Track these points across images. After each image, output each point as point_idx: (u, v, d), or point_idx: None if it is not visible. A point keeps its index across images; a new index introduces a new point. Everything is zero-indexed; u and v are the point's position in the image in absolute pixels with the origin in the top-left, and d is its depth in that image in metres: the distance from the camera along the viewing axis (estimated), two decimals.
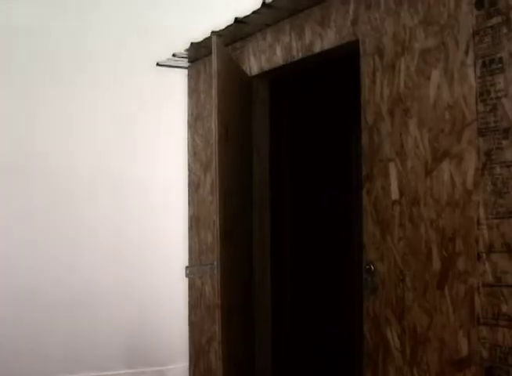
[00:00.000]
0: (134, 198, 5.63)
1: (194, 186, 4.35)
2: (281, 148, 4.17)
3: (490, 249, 2.28)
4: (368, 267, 2.84)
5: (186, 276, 4.07)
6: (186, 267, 4.09)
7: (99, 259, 5.43)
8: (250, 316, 3.73)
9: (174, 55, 4.27)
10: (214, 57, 3.12)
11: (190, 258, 4.36)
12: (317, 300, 4.28)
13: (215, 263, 3.08)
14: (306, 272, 4.24)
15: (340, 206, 4.36)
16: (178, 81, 4.70)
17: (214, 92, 3.12)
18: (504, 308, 2.23)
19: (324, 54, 3.22)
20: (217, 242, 3.08)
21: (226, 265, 3.15)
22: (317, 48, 3.22)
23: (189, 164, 4.44)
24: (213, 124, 3.19)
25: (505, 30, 2.24)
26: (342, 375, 4.26)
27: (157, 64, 4.44)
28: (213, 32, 3.70)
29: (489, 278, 2.28)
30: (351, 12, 2.99)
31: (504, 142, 2.24)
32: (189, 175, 4.44)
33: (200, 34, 3.88)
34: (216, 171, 3.10)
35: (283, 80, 3.93)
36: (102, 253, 5.44)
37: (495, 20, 2.28)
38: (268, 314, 3.86)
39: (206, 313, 4.14)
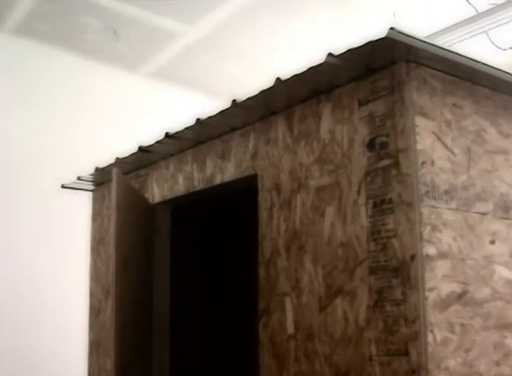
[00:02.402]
0: (34, 321, 5.48)
1: (95, 311, 4.27)
2: (183, 276, 4.14)
3: None
4: None
5: None
6: None
7: None
8: None
9: (79, 178, 4.27)
10: (113, 190, 3.12)
11: None
12: None
13: None
14: None
15: (245, 337, 4.33)
16: (83, 203, 4.67)
17: (113, 222, 3.11)
18: None
19: (224, 186, 3.26)
20: None
21: None
22: (217, 180, 3.26)
23: (90, 288, 4.37)
24: (111, 254, 3.16)
25: (394, 172, 2.33)
26: None
27: (62, 186, 4.43)
28: (117, 158, 3.73)
29: None
30: (250, 146, 3.06)
31: (394, 280, 2.29)
32: (91, 299, 4.36)
33: (106, 157, 3.90)
34: (113, 302, 3.05)
35: (185, 209, 3.96)
36: None
37: (385, 162, 2.37)
38: None
39: None
